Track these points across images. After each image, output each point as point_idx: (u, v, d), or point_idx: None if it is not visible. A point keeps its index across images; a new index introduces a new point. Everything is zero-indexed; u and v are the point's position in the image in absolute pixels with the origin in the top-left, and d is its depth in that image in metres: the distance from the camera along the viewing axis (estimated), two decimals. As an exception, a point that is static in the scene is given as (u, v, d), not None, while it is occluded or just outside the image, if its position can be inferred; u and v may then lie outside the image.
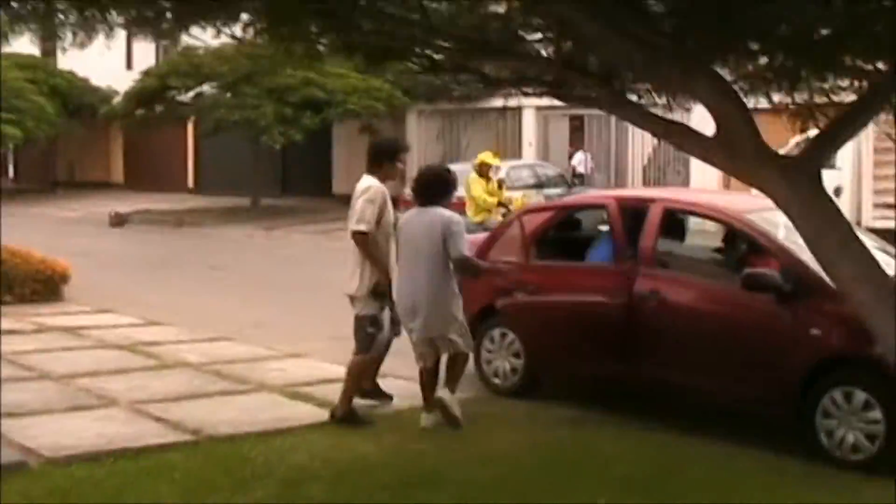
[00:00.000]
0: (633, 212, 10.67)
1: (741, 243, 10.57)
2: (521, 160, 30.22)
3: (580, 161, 32.17)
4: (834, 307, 8.76)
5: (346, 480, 8.28)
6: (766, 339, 9.30)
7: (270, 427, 9.60)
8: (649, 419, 10.01)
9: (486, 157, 19.73)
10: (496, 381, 11.17)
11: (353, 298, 10.13)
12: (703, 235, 12.37)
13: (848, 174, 22.38)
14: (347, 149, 37.55)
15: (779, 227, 9.86)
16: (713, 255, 11.08)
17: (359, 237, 10.00)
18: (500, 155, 32.71)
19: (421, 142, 35.93)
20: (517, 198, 19.62)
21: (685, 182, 29.97)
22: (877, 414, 8.65)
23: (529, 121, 33.28)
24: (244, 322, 15.18)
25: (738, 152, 6.82)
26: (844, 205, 21.78)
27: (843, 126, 7.06)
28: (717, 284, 10.09)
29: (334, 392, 10.71)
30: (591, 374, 10.44)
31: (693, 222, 11.49)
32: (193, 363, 12.26)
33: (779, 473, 8.59)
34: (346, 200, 31.22)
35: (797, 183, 6.67)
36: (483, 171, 19.31)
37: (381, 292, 9.94)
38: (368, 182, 10.03)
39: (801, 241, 9.66)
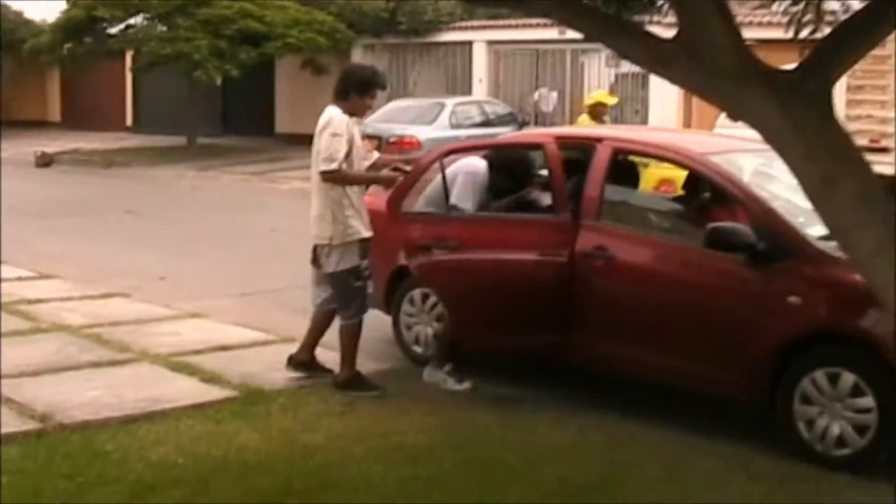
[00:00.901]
0: (577, 154, 9.10)
1: (704, 192, 9.01)
2: (469, 97, 28.46)
3: (543, 98, 30.52)
4: (817, 270, 7.33)
5: (213, 485, 6.63)
6: (733, 308, 7.73)
7: (138, 410, 7.96)
8: (596, 402, 8.49)
9: (601, 96, 15.89)
10: (417, 349, 9.63)
11: (324, 249, 8.67)
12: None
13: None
14: (290, 86, 35.92)
15: (750, 171, 8.36)
16: (672, 207, 9.42)
17: (331, 177, 8.50)
18: (448, 91, 31.51)
19: (367, 78, 33.85)
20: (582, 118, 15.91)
21: (643, 122, 28.42)
22: (868, 401, 7.10)
23: (480, 56, 31.54)
24: (148, 274, 13.57)
25: (709, 61, 4.96)
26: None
27: (851, 32, 5.15)
28: (676, 241, 8.48)
29: (227, 363, 9.29)
30: (524, 346, 8.74)
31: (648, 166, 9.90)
32: (73, 326, 10.58)
33: (749, 474, 7.03)
34: (288, 140, 30.23)
35: (796, 108, 4.86)
36: (597, 113, 15.69)
37: (360, 239, 8.59)
38: (331, 113, 8.71)
39: (777, 188, 8.29)
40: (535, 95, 30.83)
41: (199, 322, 11.05)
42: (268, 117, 37.17)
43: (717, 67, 4.96)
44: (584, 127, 14.44)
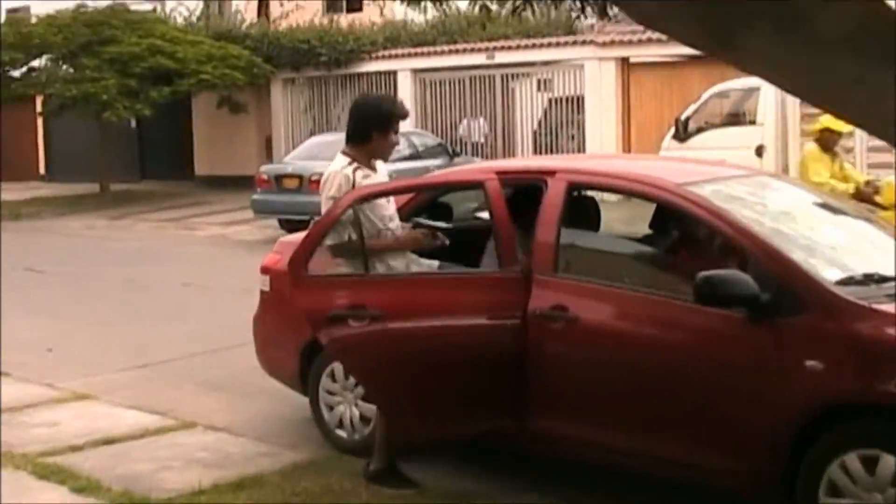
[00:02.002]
0: (524, 191, 7.51)
1: (686, 231, 7.45)
2: (396, 129, 26.82)
3: (474, 128, 28.99)
4: (840, 324, 5.79)
5: None
6: (734, 377, 6.11)
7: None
8: (564, 495, 6.92)
9: (830, 122, 11.65)
10: (341, 433, 7.97)
11: None
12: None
13: (771, 131, 19.61)
14: (208, 125, 34.20)
15: (740, 203, 6.82)
16: (646, 252, 7.77)
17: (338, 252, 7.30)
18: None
19: (288, 114, 32.56)
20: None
21: (579, 149, 27.01)
22: (918, 490, 5.50)
23: (406, 86, 29.93)
24: (36, 345, 11.82)
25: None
26: (769, 166, 19.05)
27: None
28: (656, 296, 6.68)
29: (111, 461, 7.74)
30: (470, 434, 7.13)
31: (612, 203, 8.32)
32: (-70, 418, 8.84)
33: None
34: (209, 182, 28.43)
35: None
36: (828, 143, 12.03)
37: None
38: (330, 168, 7.40)
39: (777, 222, 6.75)
40: (461, 126, 29.29)
41: (85, 405, 9.39)
42: (186, 159, 35.31)
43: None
44: (814, 162, 11.85)
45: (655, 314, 6.55)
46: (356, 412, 7.79)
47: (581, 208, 7.53)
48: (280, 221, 21.99)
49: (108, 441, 8.21)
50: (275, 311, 8.34)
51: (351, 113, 7.64)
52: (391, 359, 6.83)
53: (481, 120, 29.11)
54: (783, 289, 5.92)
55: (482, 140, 29.01)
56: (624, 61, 26.24)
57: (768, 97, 19.68)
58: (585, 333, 6.65)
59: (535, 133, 28.43)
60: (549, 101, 28.21)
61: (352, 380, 7.73)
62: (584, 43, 26.85)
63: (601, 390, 6.64)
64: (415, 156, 22.91)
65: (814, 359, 5.75)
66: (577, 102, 27.14)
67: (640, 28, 26.21)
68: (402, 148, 22.66)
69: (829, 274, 6.04)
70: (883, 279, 6.12)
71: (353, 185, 7.17)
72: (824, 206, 7.54)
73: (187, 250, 21.06)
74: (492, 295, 6.86)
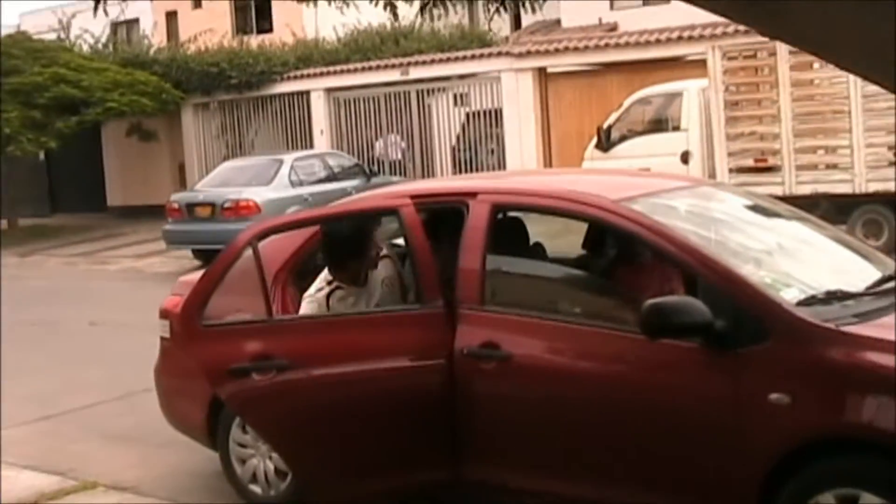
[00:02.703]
0: (443, 216, 6.85)
1: (625, 251, 6.77)
2: (310, 151, 26.10)
3: (390, 145, 28.34)
4: (806, 351, 5.15)
5: None
6: (691, 415, 5.46)
7: None
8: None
9: None
10: (255, 489, 7.24)
11: None
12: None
13: (696, 136, 19.07)
14: (119, 155, 33.39)
15: (685, 218, 6.22)
16: (583, 278, 7.01)
17: None
18: (290, 146, 29.21)
19: (200, 139, 31.69)
20: None
21: (500, 163, 26.45)
22: (902, 535, 4.88)
23: (319, 106, 29.24)
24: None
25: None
26: (696, 172, 18.55)
27: None
28: (599, 327, 5.96)
29: None
30: (396, 490, 6.38)
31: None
32: None
33: None
34: (122, 213, 27.39)
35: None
36: None
37: None
38: (310, 290, 6.88)
39: (730, 239, 6.11)
40: (378, 144, 28.64)
41: (-24, 467, 8.57)
42: (98, 191, 34.30)
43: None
44: None
45: (598, 349, 5.87)
46: (270, 466, 7.07)
47: (507, 232, 6.88)
48: (194, 252, 21.24)
49: (-8, 512, 7.47)
50: (177, 359, 7.56)
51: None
52: (303, 413, 6.16)
53: (397, 137, 28.47)
54: (740, 314, 5.31)
55: (399, 157, 28.37)
56: (541, 71, 25.75)
57: (692, 102, 19.19)
58: (521, 373, 5.97)
59: (453, 149, 27.84)
60: (467, 115, 27.68)
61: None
62: (499, 54, 26.37)
63: (542, 434, 5.96)
64: (331, 177, 22.26)
65: (778, 391, 5.12)
66: (496, 116, 26.62)
67: (557, 37, 25.81)
68: (318, 170, 22.22)
69: (788, 294, 5.46)
70: (846, 296, 5.55)
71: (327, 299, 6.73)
72: (774, 215, 6.91)
73: (98, 286, 20.20)
74: (413, 334, 6.18)
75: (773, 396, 5.11)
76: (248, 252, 6.37)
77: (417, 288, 6.35)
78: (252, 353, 6.24)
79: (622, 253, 6.78)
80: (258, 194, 20.29)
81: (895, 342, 4.95)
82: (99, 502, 7.57)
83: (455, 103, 27.94)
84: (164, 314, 7.62)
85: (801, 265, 6.19)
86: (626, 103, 20.21)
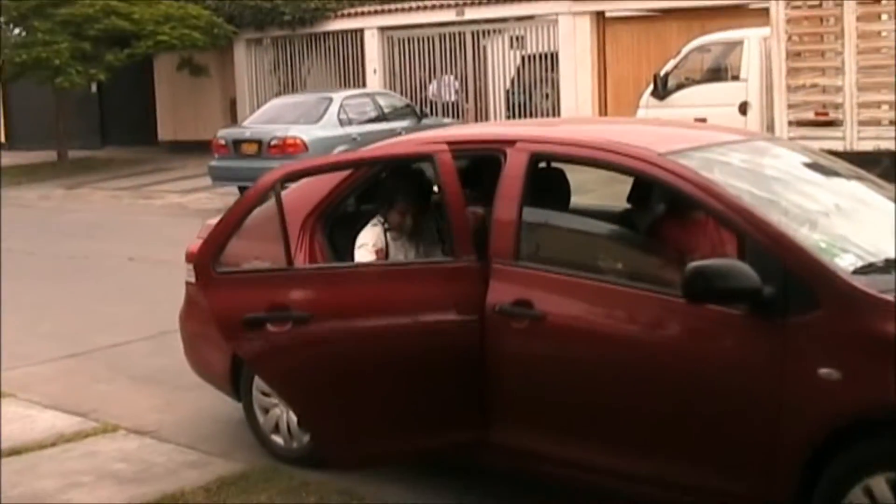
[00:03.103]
0: (479, 164, 6.52)
1: (672, 208, 6.36)
2: (360, 90, 25.64)
3: (445, 86, 27.92)
4: (860, 322, 4.72)
5: None
6: (731, 386, 5.06)
7: None
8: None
9: None
10: (277, 440, 6.96)
11: None
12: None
13: (756, 87, 18.53)
14: (171, 89, 33.18)
15: (734, 175, 5.79)
16: (626, 236, 6.62)
17: None
18: (342, 84, 28.82)
19: (252, 76, 31.37)
20: None
21: (554, 108, 25.96)
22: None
23: (373, 44, 28.82)
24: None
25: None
26: (753, 124, 18.04)
27: None
28: (639, 289, 5.52)
29: (11, 479, 6.62)
30: (419, 452, 6.09)
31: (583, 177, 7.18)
32: None
33: None
34: (172, 148, 27.29)
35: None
36: None
37: None
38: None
39: (781, 198, 5.57)
40: (432, 86, 28.19)
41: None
42: (149, 125, 34.22)
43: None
44: None
45: (638, 312, 5.45)
46: (293, 418, 6.75)
47: (547, 183, 6.48)
48: (240, 189, 20.94)
49: (15, 451, 7.20)
50: (201, 305, 7.14)
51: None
52: (322, 369, 5.84)
53: (451, 78, 28.02)
54: (791, 280, 4.89)
55: (454, 99, 27.93)
56: (599, 15, 25.19)
57: (752, 50, 18.66)
58: (554, 334, 5.59)
59: (507, 92, 27.39)
60: (523, 58, 27.18)
61: None
62: (559, -2, 25.83)
63: (574, 400, 5.60)
64: (380, 118, 21.93)
65: (829, 365, 4.71)
66: (552, 59, 26.11)
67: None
68: (368, 109, 21.91)
69: (844, 261, 5.04)
70: None
71: (386, 246, 6.65)
72: (832, 173, 6.45)
73: (142, 221, 19.99)
74: (444, 289, 5.83)
75: (823, 370, 4.71)
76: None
77: (450, 240, 5.98)
78: (268, 304, 5.91)
79: (670, 209, 6.38)
80: (305, 132, 19.98)
81: None
82: (118, 447, 7.28)
83: (511, 46, 27.43)
84: (190, 258, 7.19)
85: (860, 229, 5.71)
86: (685, 50, 19.69)
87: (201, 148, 26.86)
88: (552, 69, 26.16)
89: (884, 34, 17.11)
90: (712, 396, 5.11)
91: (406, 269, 6.25)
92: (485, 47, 27.92)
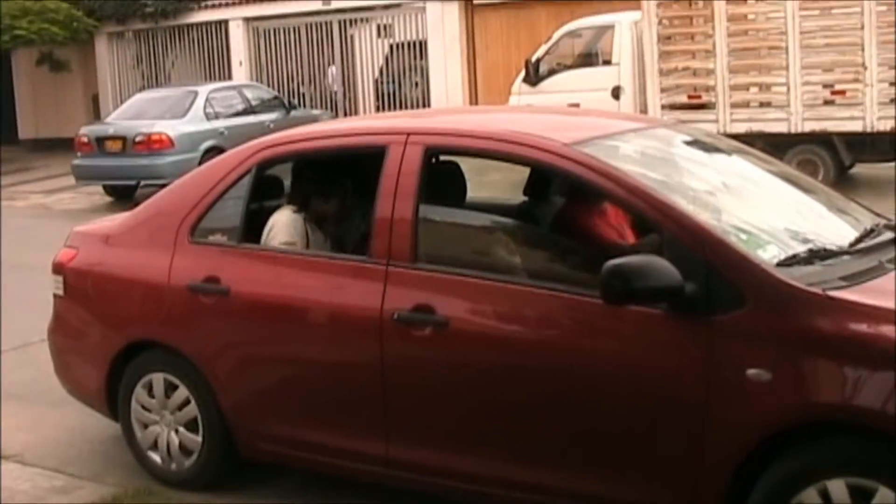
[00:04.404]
0: (367, 160, 6.16)
1: (576, 202, 6.11)
2: (227, 83, 25.13)
3: (333, 77, 27.60)
4: (790, 319, 4.49)
5: None
6: (655, 392, 4.77)
7: None
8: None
9: None
10: (155, 458, 6.54)
11: None
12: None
13: (628, 71, 18.48)
14: (31, 85, 32.22)
15: (645, 165, 5.56)
16: (533, 232, 6.31)
17: None
18: (207, 77, 28.31)
19: (115, 70, 30.61)
20: None
21: (424, 97, 25.71)
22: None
23: (238, 35, 28.30)
24: None
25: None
26: (626, 108, 18.00)
27: None
28: (551, 290, 5.14)
29: None
30: (320, 461, 5.88)
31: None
32: None
33: None
34: (34, 146, 26.30)
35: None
36: None
37: None
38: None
39: (697, 190, 5.24)
40: (330, 74, 27.80)
41: None
42: (9, 122, 33.15)
43: None
44: None
45: (550, 315, 5.12)
46: (175, 439, 6.38)
47: (443, 179, 6.24)
48: (105, 187, 20.44)
49: None
50: (73, 317, 6.97)
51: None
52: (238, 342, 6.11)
53: (334, 68, 27.66)
54: (713, 277, 4.64)
55: (337, 89, 27.62)
56: (468, 2, 25.05)
57: (623, 35, 18.60)
58: (459, 342, 5.27)
59: (376, 82, 27.10)
60: (391, 47, 26.89)
61: (174, 394, 6.37)
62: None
63: (483, 413, 5.29)
64: (248, 110, 21.52)
65: (758, 366, 4.47)
66: (421, 48, 25.86)
67: (483, -33, 25.05)
68: (236, 102, 21.45)
69: (767, 253, 4.82)
70: (829, 254, 4.92)
71: (307, 234, 6.45)
72: (742, 160, 6.17)
73: (3, 224, 19.29)
74: (352, 286, 5.67)
75: (752, 371, 4.47)
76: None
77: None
78: (206, 275, 6.14)
79: (571, 200, 6.16)
80: (171, 127, 19.48)
81: (894, 310, 4.35)
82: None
83: (378, 34, 27.13)
84: (59, 269, 6.90)
85: (778, 219, 5.48)
86: (556, 36, 19.59)
87: (64, 145, 26.12)
88: (421, 57, 25.94)
89: (751, 17, 17.23)
90: (634, 402, 4.84)
91: (324, 261, 6.12)
92: (352, 36, 27.59)
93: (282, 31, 28.01)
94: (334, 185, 6.67)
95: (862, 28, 16.00)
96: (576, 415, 5.02)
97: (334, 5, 26.84)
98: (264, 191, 6.56)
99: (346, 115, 26.61)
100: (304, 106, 25.47)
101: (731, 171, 6.06)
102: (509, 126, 5.96)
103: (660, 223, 4.93)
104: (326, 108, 26.66)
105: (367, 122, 7.32)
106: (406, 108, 26.03)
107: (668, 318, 4.70)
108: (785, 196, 5.86)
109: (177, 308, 6.28)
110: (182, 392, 6.29)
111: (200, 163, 19.22)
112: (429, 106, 25.19)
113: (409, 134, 5.77)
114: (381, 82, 26.99)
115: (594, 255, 5.16)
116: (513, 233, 6.15)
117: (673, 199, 5.00)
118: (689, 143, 6.21)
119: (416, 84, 26.33)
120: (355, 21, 27.24)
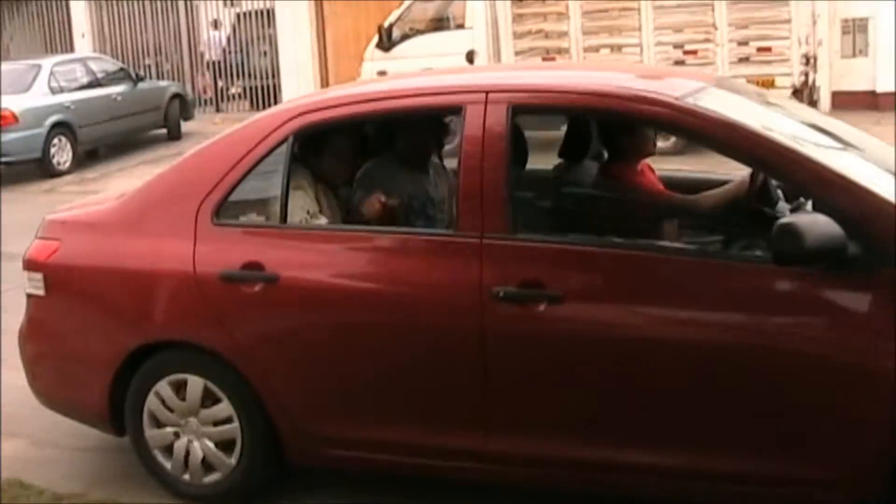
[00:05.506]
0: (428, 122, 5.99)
1: (614, 158, 5.96)
2: (71, 55, 24.21)
3: (214, 43, 26.78)
4: None
5: None
6: (817, 365, 4.48)
7: None
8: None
9: None
10: (184, 477, 5.81)
11: None
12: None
13: (482, 35, 18.34)
14: None
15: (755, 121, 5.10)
16: (643, 197, 5.93)
17: None
18: (49, 51, 27.48)
19: (-51, 44, 29.52)
20: None
21: (273, 66, 25.28)
22: None
23: (79, 7, 27.51)
24: None
25: None
26: (482, 72, 17.89)
27: None
28: (683, 256, 4.88)
29: None
30: (400, 463, 5.39)
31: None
32: None
33: None
34: None
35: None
36: None
37: None
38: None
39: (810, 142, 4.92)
40: (211, 38, 26.91)
41: None
42: None
43: None
44: None
45: (685, 282, 4.74)
46: (199, 448, 5.70)
47: (522, 141, 5.92)
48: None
49: None
50: (59, 320, 6.09)
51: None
52: (299, 354, 5.41)
53: (218, 34, 26.85)
54: (871, 233, 4.40)
55: (217, 58, 26.75)
56: (316, -30, 24.67)
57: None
58: (574, 318, 4.85)
59: (224, 51, 26.55)
60: (238, 15, 26.40)
61: (208, 409, 5.67)
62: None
63: (614, 393, 4.89)
64: (94, 83, 20.90)
65: None
66: (268, 16, 25.41)
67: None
68: (80, 76, 20.87)
69: None
70: None
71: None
72: (811, 115, 5.93)
73: None
74: (434, 265, 5.15)
75: None
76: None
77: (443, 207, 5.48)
78: (244, 262, 5.41)
79: (613, 156, 5.95)
80: (14, 102, 18.77)
81: None
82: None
83: (225, 3, 26.63)
84: (35, 265, 6.04)
85: (867, 171, 5.06)
86: (408, 1, 19.41)
87: None
88: (269, 26, 25.50)
89: (604, -22, 17.31)
90: (793, 375, 4.52)
91: (396, 237, 5.50)
92: (197, 6, 27.04)
93: (124, 2, 27.30)
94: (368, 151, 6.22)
95: (713, -12, 16.23)
96: (728, 391, 4.67)
97: (177, -25, 26.33)
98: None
99: (192, 87, 26.12)
100: (151, 77, 24.89)
101: (809, 124, 5.60)
102: (602, 81, 5.61)
103: (804, 181, 4.66)
104: (174, 79, 26.09)
105: (428, 81, 6.41)
106: (254, 78, 25.66)
107: (820, 279, 4.44)
108: (861, 146, 5.50)
109: (208, 301, 5.48)
110: (216, 401, 5.63)
111: (47, 138, 18.81)
112: (278, 77, 24.87)
113: (487, 92, 5.25)
114: (229, 52, 26.48)
115: (677, 213, 5.08)
116: (598, 197, 5.85)
117: (808, 152, 4.73)
118: (754, 98, 5.77)
119: (265, 53, 25.89)
120: (200, -11, 26.74)
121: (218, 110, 26.29)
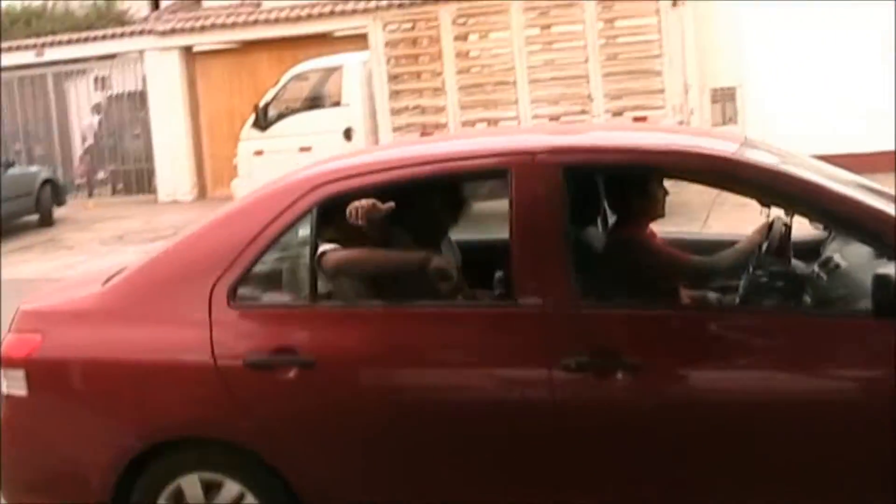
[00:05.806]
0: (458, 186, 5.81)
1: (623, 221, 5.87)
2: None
3: (89, 129, 26.49)
4: None
5: None
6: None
7: None
8: None
9: None
10: None
11: None
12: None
13: (359, 112, 18.30)
14: None
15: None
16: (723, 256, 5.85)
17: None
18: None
19: None
20: None
21: (147, 148, 25.01)
22: None
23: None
24: None
25: None
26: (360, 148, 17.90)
27: None
28: (799, 314, 4.91)
29: None
30: None
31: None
32: None
33: None
34: None
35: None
36: None
37: None
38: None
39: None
40: (90, 123, 26.59)
41: None
42: None
43: None
44: None
45: (768, 341, 4.70)
46: None
47: (584, 200, 5.80)
48: None
49: None
50: (45, 423, 5.41)
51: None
52: (352, 450, 4.99)
53: (94, 119, 26.61)
54: None
55: (91, 142, 26.55)
56: (187, 50, 24.52)
57: (352, 76, 18.52)
58: (660, 385, 4.70)
59: (96, 135, 26.22)
60: (109, 98, 26.12)
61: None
62: (142, 32, 24.99)
63: (695, 457, 4.70)
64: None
65: None
66: (140, 98, 25.20)
67: (203, 13, 24.66)
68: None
69: None
70: None
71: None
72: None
73: None
74: (497, 339, 4.90)
75: None
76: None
77: (505, 278, 5.03)
78: (273, 346, 4.99)
79: (622, 219, 5.87)
80: None
81: None
82: None
83: (96, 87, 26.34)
84: (14, 362, 5.39)
85: None
86: (284, 79, 19.38)
87: None
88: (141, 108, 25.28)
89: (477, 53, 17.46)
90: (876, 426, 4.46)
91: (451, 311, 5.20)
92: (67, 90, 26.71)
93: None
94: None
95: (586, 61, 16.46)
96: (802, 444, 4.55)
97: (48, 57, 25.96)
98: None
99: (64, 171, 25.72)
100: (21, 163, 24.47)
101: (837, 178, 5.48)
102: (653, 139, 5.71)
103: (877, 231, 4.64)
104: (45, 163, 25.67)
105: (467, 144, 6.27)
106: (127, 162, 25.44)
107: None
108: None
109: (233, 392, 5.00)
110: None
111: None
112: (151, 160, 24.66)
113: (535, 154, 5.08)
114: (100, 136, 26.17)
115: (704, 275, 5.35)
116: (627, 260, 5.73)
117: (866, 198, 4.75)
118: (774, 154, 5.62)
119: (138, 135, 25.63)
120: (71, 73, 26.33)
121: (90, 195, 25.92)
